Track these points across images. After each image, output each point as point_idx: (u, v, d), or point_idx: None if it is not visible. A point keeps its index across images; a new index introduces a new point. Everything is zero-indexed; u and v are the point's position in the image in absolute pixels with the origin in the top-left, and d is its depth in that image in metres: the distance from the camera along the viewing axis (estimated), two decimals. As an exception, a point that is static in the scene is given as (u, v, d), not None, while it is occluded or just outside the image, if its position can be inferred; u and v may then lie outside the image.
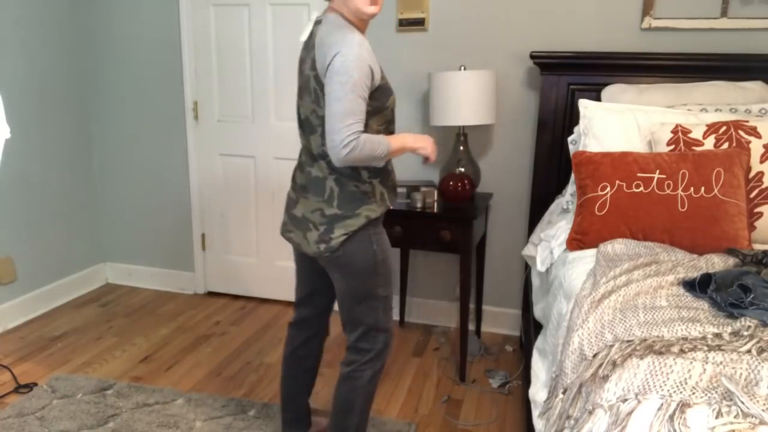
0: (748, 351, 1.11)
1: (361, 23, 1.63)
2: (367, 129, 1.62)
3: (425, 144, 1.72)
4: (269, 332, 3.00)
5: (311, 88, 1.61)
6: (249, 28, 3.05)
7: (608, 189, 1.84)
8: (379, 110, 1.64)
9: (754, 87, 2.25)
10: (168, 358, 2.73)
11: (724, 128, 1.91)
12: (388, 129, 1.70)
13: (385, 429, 2.20)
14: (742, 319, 1.24)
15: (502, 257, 2.96)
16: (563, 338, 1.45)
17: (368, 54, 1.54)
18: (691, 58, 2.37)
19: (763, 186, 1.85)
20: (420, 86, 2.88)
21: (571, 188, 2.24)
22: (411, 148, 1.69)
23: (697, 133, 1.93)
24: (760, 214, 1.85)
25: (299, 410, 2.02)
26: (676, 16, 2.48)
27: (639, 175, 1.82)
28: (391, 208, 1.73)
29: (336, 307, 2.75)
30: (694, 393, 0.98)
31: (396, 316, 3.17)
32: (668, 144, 1.95)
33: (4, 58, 2.88)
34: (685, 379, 1.01)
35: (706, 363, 1.05)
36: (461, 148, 2.65)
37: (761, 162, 1.86)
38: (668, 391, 1.00)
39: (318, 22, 1.64)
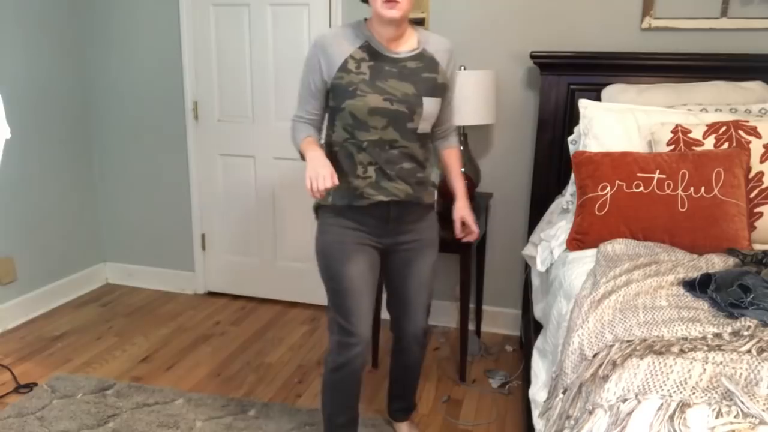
0: (748, 351, 1.11)
1: (381, 25, 1.65)
2: (334, 127, 1.72)
3: (308, 173, 1.54)
4: (269, 332, 3.00)
5: None
6: (249, 28, 3.05)
7: (608, 189, 1.84)
8: (336, 110, 1.69)
9: (754, 87, 2.26)
10: (168, 358, 2.73)
11: (724, 128, 1.91)
12: (353, 135, 1.68)
13: (385, 429, 2.20)
14: (742, 319, 1.24)
15: (502, 257, 2.96)
16: (563, 338, 1.45)
17: (321, 48, 1.66)
18: (691, 58, 2.37)
19: (763, 186, 1.85)
20: (420, 86, 2.87)
21: (571, 188, 2.24)
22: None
23: (697, 133, 1.93)
24: (760, 214, 1.85)
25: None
26: (676, 16, 2.48)
27: (639, 175, 1.82)
28: (348, 204, 1.73)
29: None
30: (694, 393, 0.98)
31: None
32: (668, 144, 1.94)
33: (4, 58, 2.88)
34: (685, 379, 1.01)
35: (706, 363, 1.05)
36: (461, 148, 2.64)
37: (761, 162, 1.86)
38: (668, 391, 1.00)
39: None
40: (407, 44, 1.70)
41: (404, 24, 1.68)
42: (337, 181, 1.55)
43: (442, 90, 1.74)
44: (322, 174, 1.52)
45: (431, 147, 1.86)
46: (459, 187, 1.91)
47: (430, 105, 1.69)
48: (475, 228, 1.89)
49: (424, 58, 1.70)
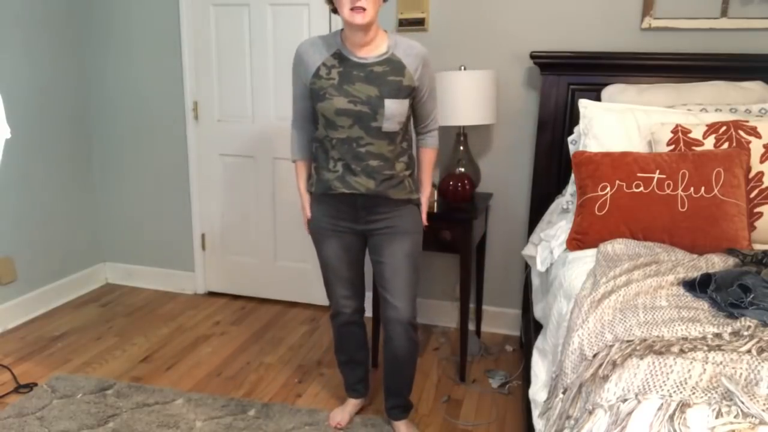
0: (748, 351, 1.11)
1: (350, 31, 1.80)
2: (317, 125, 1.92)
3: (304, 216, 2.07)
4: (269, 332, 3.01)
5: None
6: (249, 28, 3.05)
7: (608, 189, 1.84)
8: (316, 111, 1.89)
9: (754, 87, 2.25)
10: (168, 358, 2.73)
11: (724, 128, 1.91)
12: (328, 134, 1.88)
13: (385, 429, 2.20)
14: (742, 319, 1.24)
15: (502, 257, 2.96)
16: (563, 338, 1.46)
17: (299, 57, 1.88)
18: (691, 58, 2.37)
19: (763, 186, 1.85)
20: (420, 86, 2.87)
21: (571, 188, 2.24)
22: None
23: (697, 133, 1.93)
24: (760, 214, 1.85)
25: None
26: (676, 16, 2.48)
27: (639, 175, 1.82)
28: (323, 192, 1.99)
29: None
30: (694, 393, 0.98)
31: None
32: (668, 144, 1.95)
33: (4, 58, 2.88)
34: (685, 379, 1.01)
35: (706, 363, 1.05)
36: (461, 148, 2.65)
37: (761, 162, 1.86)
38: (668, 391, 1.00)
39: None
40: (376, 49, 1.85)
41: (372, 30, 1.82)
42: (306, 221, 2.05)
43: (407, 92, 1.86)
44: (304, 212, 2.05)
45: (407, 146, 1.98)
46: (425, 182, 2.08)
47: (393, 106, 1.81)
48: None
49: (391, 62, 1.84)
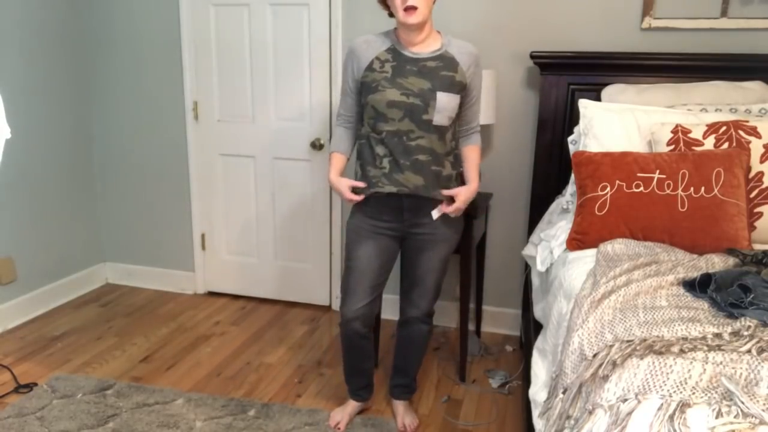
0: (748, 351, 1.11)
1: (404, 31, 1.86)
2: (363, 122, 1.95)
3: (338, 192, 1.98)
4: (269, 332, 3.00)
5: None
6: (249, 28, 3.05)
7: (608, 189, 1.84)
8: (364, 106, 1.93)
9: (754, 87, 2.25)
10: (168, 358, 2.73)
11: (724, 128, 1.91)
12: (375, 127, 1.90)
13: (385, 429, 2.20)
14: (742, 319, 1.24)
15: (502, 257, 2.96)
16: (563, 338, 1.46)
17: (351, 52, 1.91)
18: (691, 58, 2.37)
19: (763, 186, 1.85)
20: (420, 86, 2.87)
21: (571, 188, 2.24)
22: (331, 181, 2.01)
23: (697, 133, 1.93)
24: (760, 214, 1.85)
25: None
26: (676, 16, 2.48)
27: (639, 175, 1.82)
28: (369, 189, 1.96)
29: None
30: (694, 393, 0.98)
31: (397, 316, 3.16)
32: (668, 144, 1.95)
33: (5, 59, 2.88)
34: (685, 379, 1.01)
35: (706, 363, 1.05)
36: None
37: (761, 162, 1.86)
38: (668, 391, 1.00)
39: None
40: (430, 46, 1.90)
41: (425, 28, 1.87)
42: (355, 197, 1.93)
43: (459, 87, 1.90)
44: (342, 196, 1.95)
45: (455, 145, 2.00)
46: (471, 175, 2.06)
47: (444, 98, 1.85)
48: (453, 209, 1.96)
49: (444, 59, 1.88)
